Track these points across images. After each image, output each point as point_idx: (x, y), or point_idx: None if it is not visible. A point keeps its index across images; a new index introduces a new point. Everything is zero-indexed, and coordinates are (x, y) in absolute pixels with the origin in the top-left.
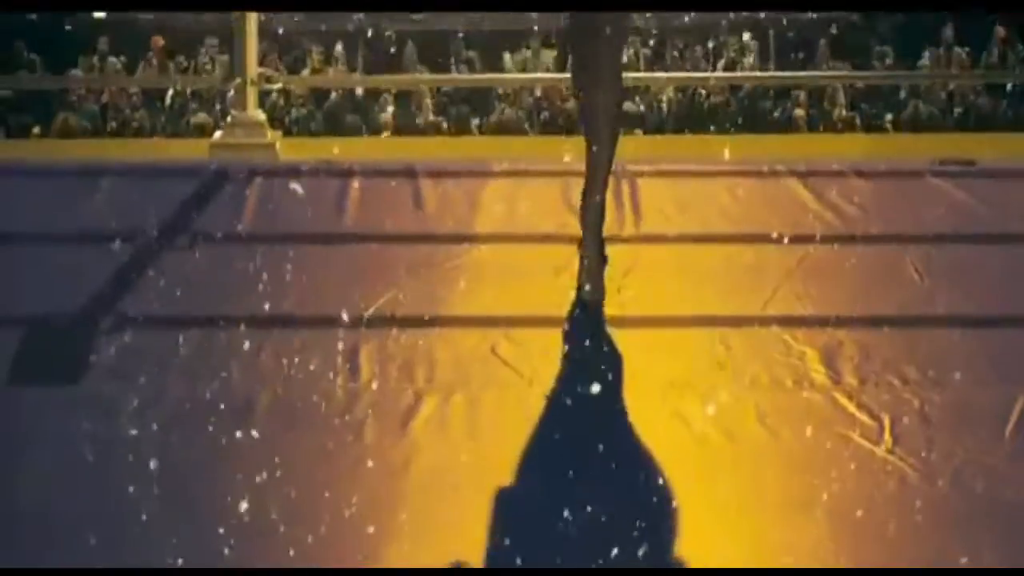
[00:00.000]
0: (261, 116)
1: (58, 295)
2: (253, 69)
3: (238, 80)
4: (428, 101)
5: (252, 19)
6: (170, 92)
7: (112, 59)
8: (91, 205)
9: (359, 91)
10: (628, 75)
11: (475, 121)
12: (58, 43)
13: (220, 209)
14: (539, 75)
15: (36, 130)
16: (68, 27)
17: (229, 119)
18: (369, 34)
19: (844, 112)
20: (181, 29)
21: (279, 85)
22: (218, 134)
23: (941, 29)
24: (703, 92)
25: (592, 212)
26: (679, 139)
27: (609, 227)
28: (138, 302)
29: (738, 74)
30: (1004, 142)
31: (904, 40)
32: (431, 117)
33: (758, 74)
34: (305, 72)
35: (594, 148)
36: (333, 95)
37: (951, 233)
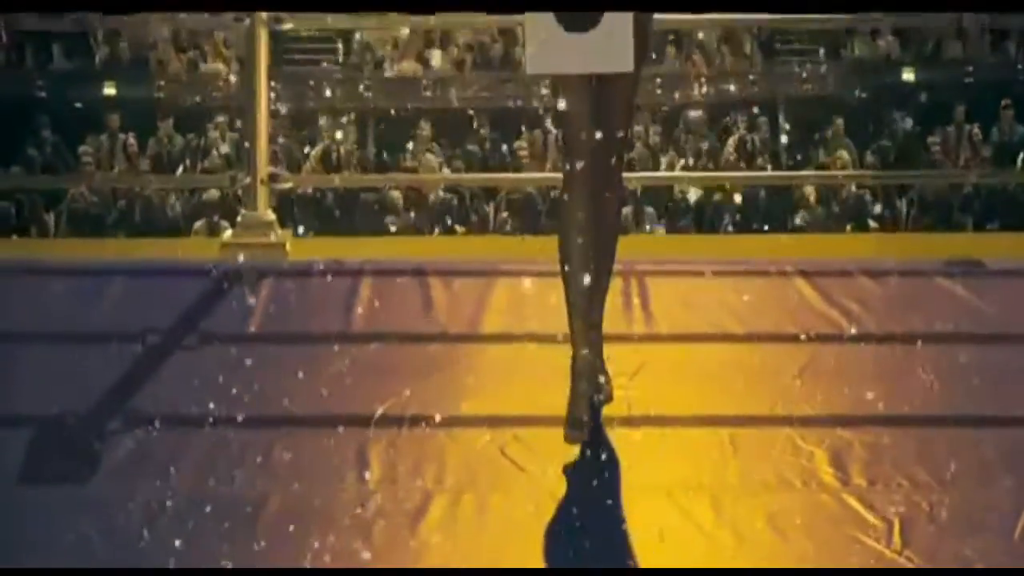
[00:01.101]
0: (271, 216)
1: (66, 395)
2: (264, 168)
3: (248, 180)
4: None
5: (263, 118)
6: (179, 170)
7: (122, 135)
8: (100, 305)
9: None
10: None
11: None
12: (69, 119)
13: (229, 309)
14: (546, 175)
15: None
16: (78, 104)
17: (239, 219)
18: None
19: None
20: (190, 106)
21: (289, 184)
22: (228, 234)
23: (954, 106)
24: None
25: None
26: (686, 238)
27: (617, 326)
28: (147, 402)
29: (747, 173)
30: (1011, 241)
31: (916, 115)
32: (441, 194)
33: (768, 173)
34: (316, 149)
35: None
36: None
37: (959, 333)
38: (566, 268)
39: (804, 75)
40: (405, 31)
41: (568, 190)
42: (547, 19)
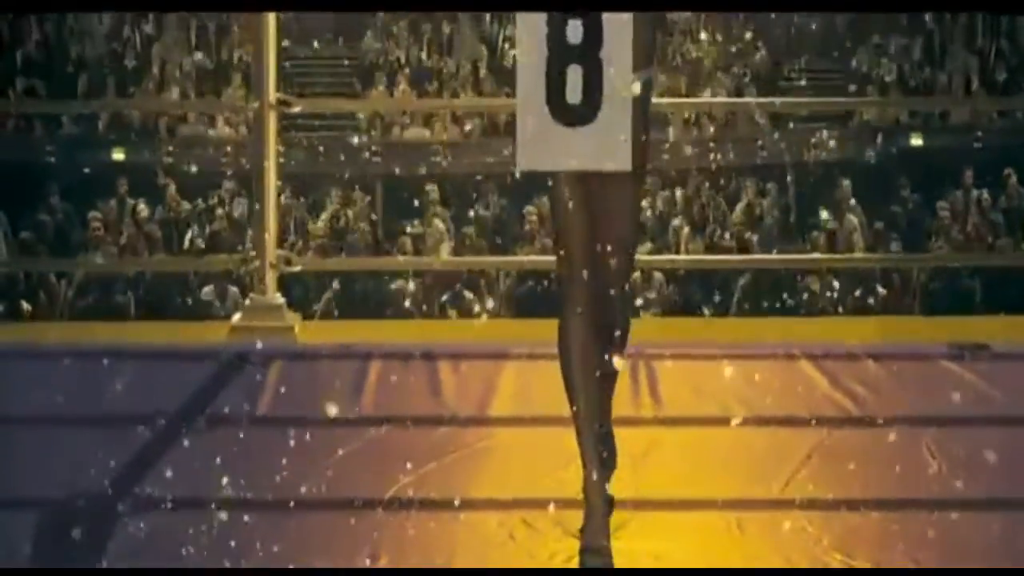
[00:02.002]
0: (280, 299)
1: (75, 478)
2: (272, 252)
3: (256, 263)
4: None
5: (271, 202)
6: (188, 235)
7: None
8: (110, 388)
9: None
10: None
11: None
12: (78, 185)
13: (238, 392)
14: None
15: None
16: (87, 170)
17: (247, 302)
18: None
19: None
20: (199, 172)
21: (299, 268)
22: (237, 317)
23: (962, 172)
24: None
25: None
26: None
27: (625, 409)
28: (156, 485)
29: (755, 257)
30: (1018, 325)
31: (925, 180)
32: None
33: (777, 256)
34: (324, 217)
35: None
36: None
37: (965, 417)
38: (569, 386)
39: (812, 140)
40: (413, 98)
41: (566, 303)
42: (540, 111)
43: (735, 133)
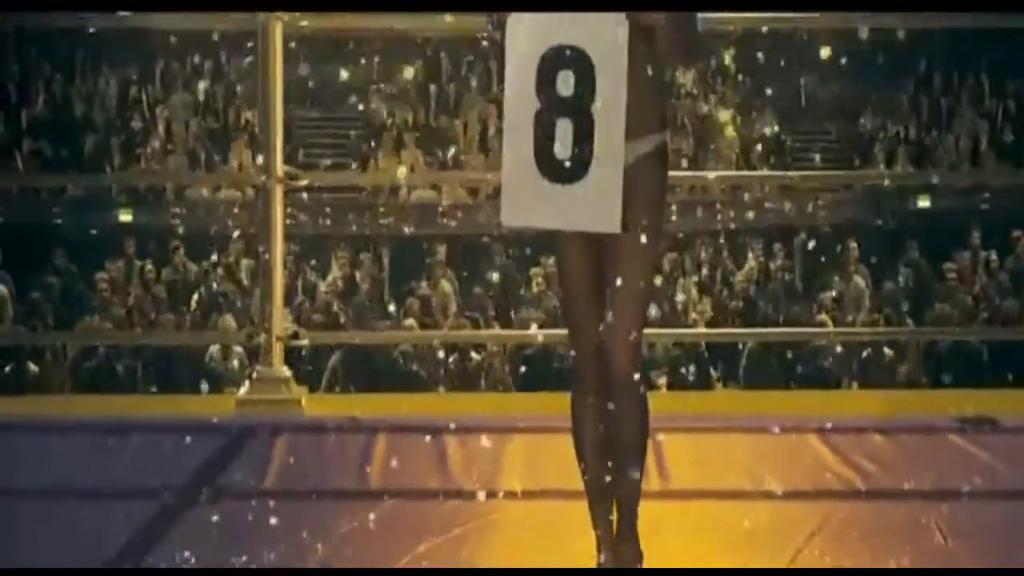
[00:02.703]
0: (286, 372)
1: (83, 551)
2: (279, 326)
3: (263, 336)
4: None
5: (277, 271)
6: (195, 296)
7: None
8: (117, 462)
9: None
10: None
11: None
12: (85, 247)
13: (245, 465)
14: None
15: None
16: (94, 231)
17: (254, 375)
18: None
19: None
20: (206, 233)
21: (305, 341)
22: (243, 390)
23: (970, 232)
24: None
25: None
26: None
27: None
28: (163, 559)
29: (765, 330)
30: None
31: (932, 242)
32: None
33: (787, 330)
34: (331, 276)
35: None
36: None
37: (973, 491)
38: (581, 464)
39: (819, 202)
40: (420, 160)
41: (575, 378)
42: (527, 165)
43: (742, 195)
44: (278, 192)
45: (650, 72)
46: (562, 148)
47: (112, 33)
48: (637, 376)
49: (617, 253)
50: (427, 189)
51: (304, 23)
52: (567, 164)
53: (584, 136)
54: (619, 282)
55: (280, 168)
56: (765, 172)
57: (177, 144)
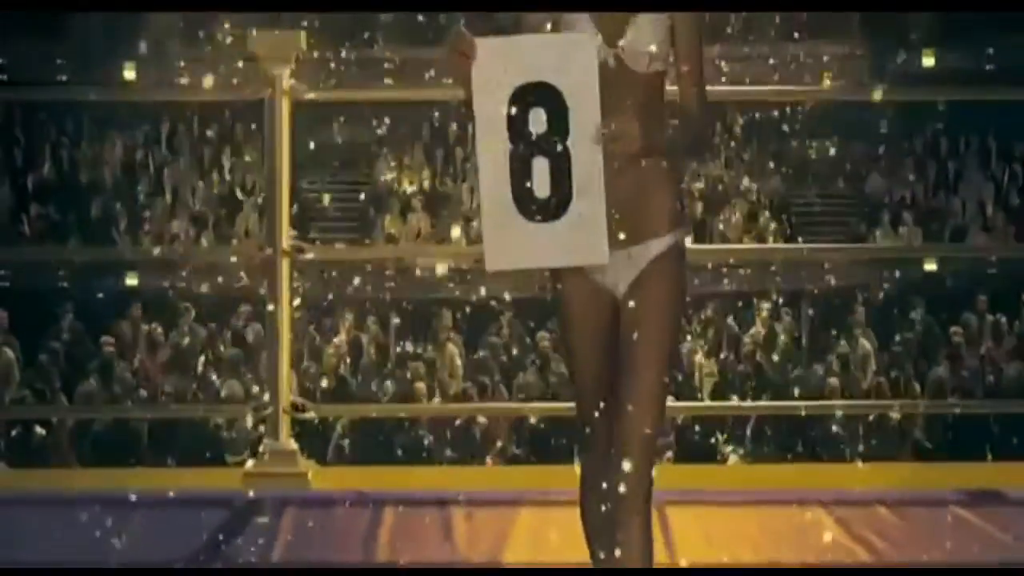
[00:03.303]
0: (293, 445)
1: None
2: (286, 398)
3: (270, 410)
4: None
5: (284, 343)
6: (201, 359)
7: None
8: (125, 536)
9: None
10: None
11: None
12: (91, 311)
13: (252, 539)
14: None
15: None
16: (100, 295)
17: (261, 448)
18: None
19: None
20: (213, 297)
21: (312, 414)
22: (250, 463)
23: (976, 296)
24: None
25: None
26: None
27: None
28: None
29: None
30: None
31: (938, 306)
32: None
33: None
34: (337, 342)
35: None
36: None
37: (978, 565)
38: (588, 531)
39: (826, 265)
40: (427, 224)
41: (584, 456)
42: (506, 208)
43: (749, 257)
44: (285, 265)
45: (664, 165)
46: (540, 186)
47: (118, 95)
48: (648, 485)
49: (635, 352)
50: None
51: (311, 95)
52: (547, 202)
53: (562, 172)
54: (636, 381)
55: (287, 241)
56: (772, 245)
57: (183, 208)
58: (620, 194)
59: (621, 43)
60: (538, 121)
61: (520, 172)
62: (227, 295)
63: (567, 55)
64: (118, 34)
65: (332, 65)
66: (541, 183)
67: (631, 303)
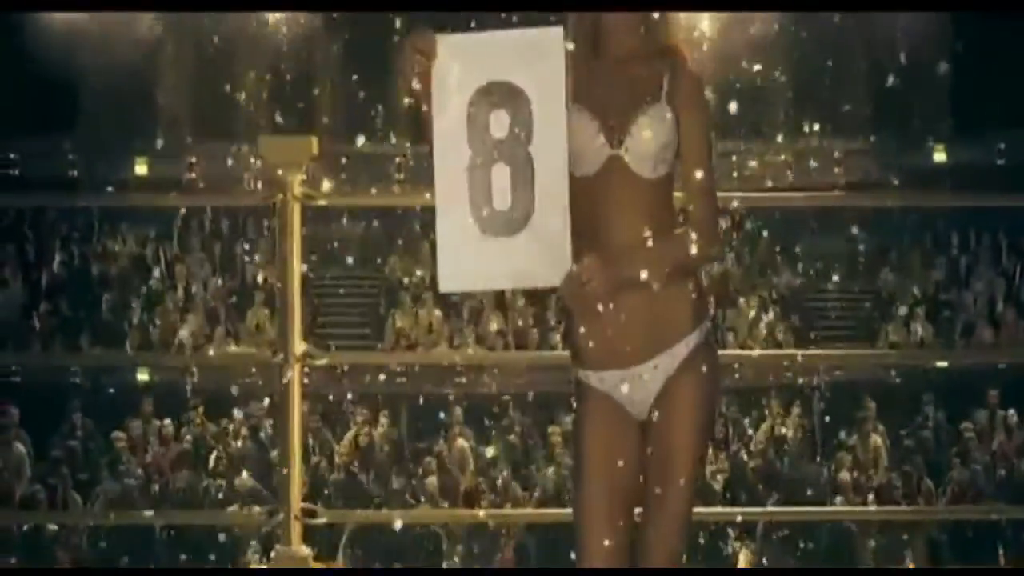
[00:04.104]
0: (305, 551)
1: None
2: (297, 504)
3: (281, 516)
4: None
5: (296, 449)
6: (213, 455)
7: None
8: None
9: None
10: None
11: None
12: (102, 406)
13: None
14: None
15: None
16: (112, 390)
17: (273, 554)
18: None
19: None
20: (224, 392)
21: (324, 520)
22: (263, 567)
23: (987, 391)
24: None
25: None
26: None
27: None
28: None
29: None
30: None
31: (949, 401)
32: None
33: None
34: (348, 437)
35: None
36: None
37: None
38: None
39: (838, 359)
40: (438, 315)
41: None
42: (463, 222)
43: (762, 361)
44: (296, 372)
45: (681, 275)
46: (500, 198)
47: (130, 192)
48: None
49: (664, 469)
50: (444, 346)
51: (322, 201)
52: (506, 214)
53: (524, 181)
54: (667, 500)
55: (298, 348)
56: (785, 352)
57: (195, 304)
58: (637, 304)
59: (625, 144)
60: (500, 124)
61: (479, 181)
62: (239, 391)
63: (533, 52)
64: (129, 128)
65: (343, 159)
66: (501, 193)
67: (660, 416)
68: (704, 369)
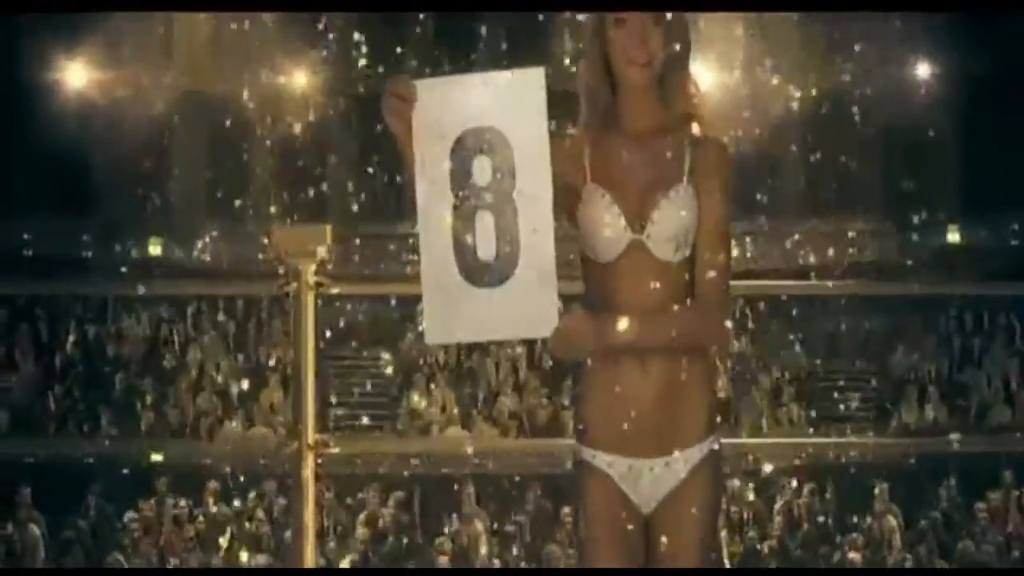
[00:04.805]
0: None
1: None
2: None
3: None
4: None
5: (311, 537)
6: (227, 535)
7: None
8: None
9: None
10: None
11: None
12: (117, 486)
13: None
14: None
15: None
16: (125, 471)
17: None
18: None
19: None
20: (238, 472)
21: None
22: None
23: (1002, 471)
24: None
25: None
26: None
27: None
28: None
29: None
30: None
31: (963, 481)
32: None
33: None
34: (362, 518)
35: None
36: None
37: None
38: None
39: (851, 440)
40: (452, 399)
41: None
42: (448, 273)
43: (773, 435)
44: (310, 460)
45: (698, 362)
46: (484, 247)
47: (143, 272)
48: None
49: (671, 562)
50: (458, 427)
51: (336, 290)
52: (491, 264)
53: (508, 228)
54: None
55: (312, 437)
56: (797, 440)
57: (208, 384)
58: (652, 397)
59: (648, 230)
60: (483, 171)
61: (463, 230)
62: (252, 471)
63: (514, 94)
64: (143, 209)
65: (356, 241)
66: (486, 242)
67: (666, 516)
68: (714, 474)
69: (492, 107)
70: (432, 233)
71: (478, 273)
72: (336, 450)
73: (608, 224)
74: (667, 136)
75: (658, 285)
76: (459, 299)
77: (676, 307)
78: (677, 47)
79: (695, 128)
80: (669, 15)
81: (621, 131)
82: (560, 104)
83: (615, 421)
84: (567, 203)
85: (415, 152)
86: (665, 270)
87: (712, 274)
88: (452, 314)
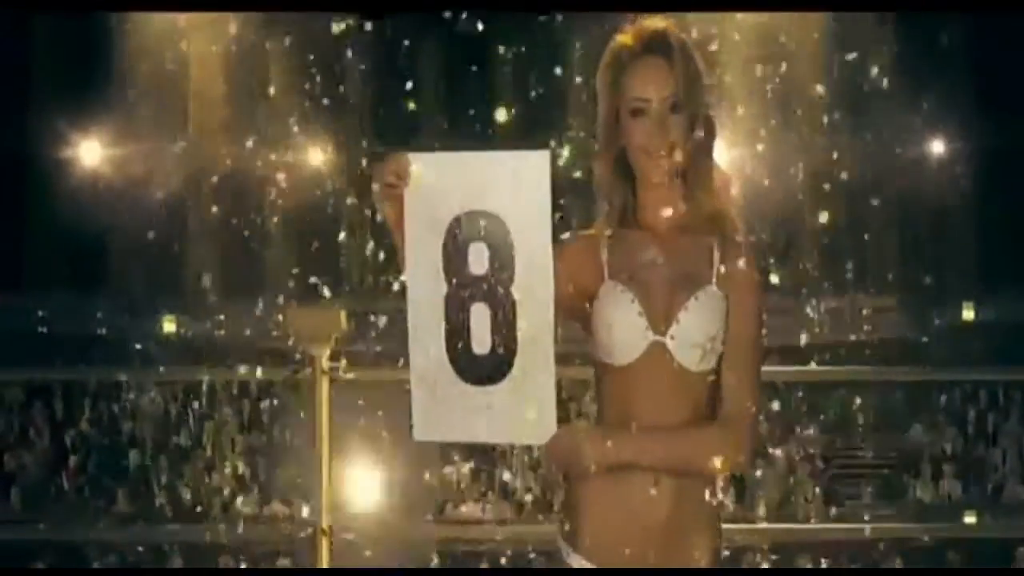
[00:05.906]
0: None
1: None
2: None
3: None
4: None
5: None
6: None
7: None
8: None
9: None
10: None
11: None
12: (130, 564)
13: None
14: None
15: None
16: (140, 548)
17: None
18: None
19: None
20: (253, 549)
21: None
22: None
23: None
24: None
25: None
26: None
27: None
28: None
29: None
30: None
31: (980, 560)
32: None
33: None
34: None
35: None
36: None
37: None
38: None
39: (867, 517)
40: (468, 475)
41: None
42: (439, 367)
43: (787, 510)
44: (324, 547)
45: (709, 492)
46: (479, 341)
47: (158, 349)
48: None
49: None
50: (472, 503)
51: (351, 375)
52: (486, 361)
53: (505, 323)
54: None
55: (326, 522)
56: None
57: (222, 462)
58: (656, 525)
59: (671, 332)
60: (479, 259)
61: (456, 321)
62: (268, 547)
63: (515, 177)
64: (158, 286)
65: (371, 318)
66: (480, 336)
67: None
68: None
69: (491, 190)
70: (422, 325)
71: (471, 369)
72: (350, 537)
73: (628, 323)
74: (694, 233)
75: (677, 396)
76: (450, 396)
77: (695, 425)
78: (700, 134)
79: (725, 226)
80: (686, 101)
81: (642, 227)
82: (567, 190)
83: (608, 532)
84: (578, 306)
85: (407, 233)
86: (686, 380)
87: (740, 389)
88: (443, 412)
